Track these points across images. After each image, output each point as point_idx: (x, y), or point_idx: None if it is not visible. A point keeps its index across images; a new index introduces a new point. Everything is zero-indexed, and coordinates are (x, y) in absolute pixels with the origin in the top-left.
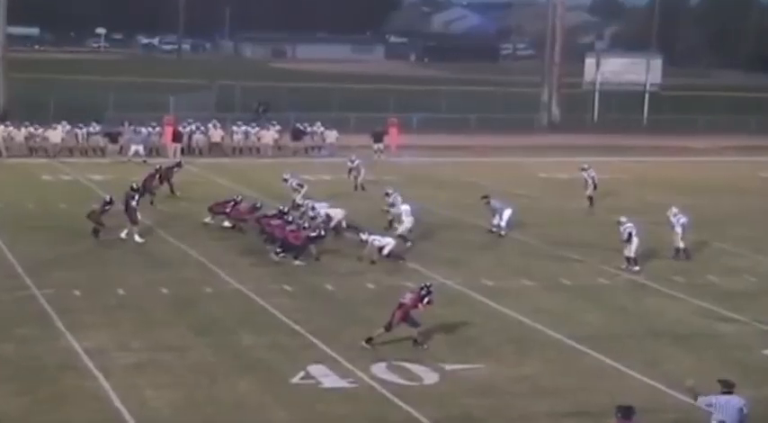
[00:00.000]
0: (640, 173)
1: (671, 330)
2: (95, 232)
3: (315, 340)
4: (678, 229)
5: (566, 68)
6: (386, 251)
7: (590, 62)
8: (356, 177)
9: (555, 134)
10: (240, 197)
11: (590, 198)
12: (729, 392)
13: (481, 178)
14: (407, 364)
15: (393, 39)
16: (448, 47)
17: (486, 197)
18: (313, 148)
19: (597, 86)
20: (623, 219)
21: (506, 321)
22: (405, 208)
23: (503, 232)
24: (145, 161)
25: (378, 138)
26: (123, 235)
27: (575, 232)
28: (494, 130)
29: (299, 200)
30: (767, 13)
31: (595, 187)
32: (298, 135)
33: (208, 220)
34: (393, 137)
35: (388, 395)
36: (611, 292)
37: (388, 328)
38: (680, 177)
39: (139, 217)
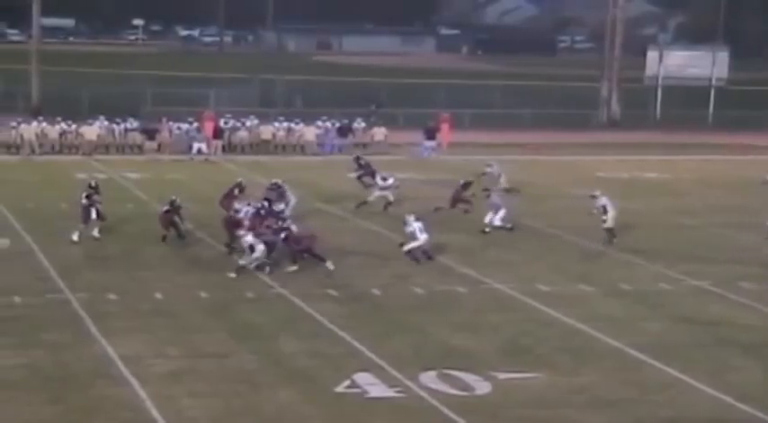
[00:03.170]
0: (706, 172)
1: (738, 339)
2: (179, 236)
3: (361, 347)
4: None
5: (626, 62)
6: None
7: (652, 55)
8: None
9: (614, 131)
10: (241, 179)
11: None
12: None
13: (536, 177)
14: (458, 373)
15: (444, 31)
16: (502, 39)
17: (486, 190)
18: (356, 144)
19: (660, 81)
20: (597, 193)
21: (563, 329)
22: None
23: (494, 225)
24: (206, 159)
25: (430, 135)
26: (75, 236)
27: (635, 235)
28: (550, 127)
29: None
30: None
31: None
32: (343, 132)
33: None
34: (445, 133)
35: (438, 405)
36: (674, 298)
37: None
38: (747, 177)
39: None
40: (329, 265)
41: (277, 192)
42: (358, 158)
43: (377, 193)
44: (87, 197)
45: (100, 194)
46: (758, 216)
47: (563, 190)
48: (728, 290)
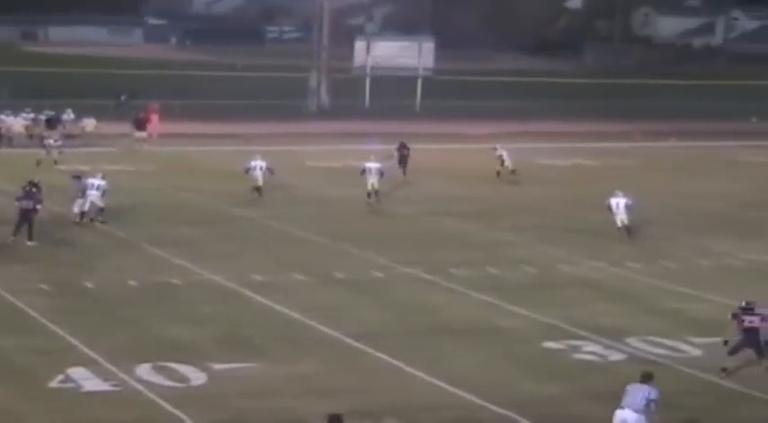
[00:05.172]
0: (417, 161)
1: (451, 326)
2: None
3: (75, 342)
4: None
5: (335, 52)
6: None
7: (360, 46)
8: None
9: (324, 121)
10: None
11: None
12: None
13: None
14: (173, 365)
15: (152, 21)
16: (210, 29)
17: (77, 177)
18: (66, 136)
19: (368, 71)
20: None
21: (278, 318)
22: None
23: (101, 219)
24: None
25: (140, 125)
26: None
27: (347, 223)
28: (261, 117)
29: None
30: None
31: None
32: (53, 123)
33: None
34: (154, 124)
35: (154, 398)
36: (388, 286)
37: (761, 355)
38: (458, 165)
39: None
40: None
41: None
42: None
43: None
44: None
45: None
46: (469, 205)
47: (273, 180)
48: (440, 277)
